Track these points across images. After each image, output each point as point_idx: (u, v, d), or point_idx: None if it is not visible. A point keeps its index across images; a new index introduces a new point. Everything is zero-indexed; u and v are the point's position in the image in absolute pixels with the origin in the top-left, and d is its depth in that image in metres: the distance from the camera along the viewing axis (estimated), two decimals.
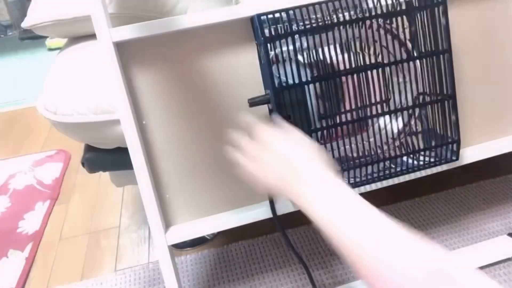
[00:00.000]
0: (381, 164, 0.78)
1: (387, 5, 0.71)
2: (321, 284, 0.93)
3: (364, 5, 0.70)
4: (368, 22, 0.71)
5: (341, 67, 0.72)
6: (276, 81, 0.70)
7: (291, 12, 0.68)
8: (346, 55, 0.72)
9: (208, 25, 0.69)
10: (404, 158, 0.79)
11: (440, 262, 0.39)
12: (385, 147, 0.77)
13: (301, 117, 0.71)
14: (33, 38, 2.95)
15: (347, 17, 0.69)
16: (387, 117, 0.76)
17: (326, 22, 0.69)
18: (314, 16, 0.69)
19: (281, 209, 0.78)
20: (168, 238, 0.75)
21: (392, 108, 0.75)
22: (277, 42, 0.68)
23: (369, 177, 0.78)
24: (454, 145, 0.78)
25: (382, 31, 0.72)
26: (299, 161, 0.53)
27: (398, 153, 0.78)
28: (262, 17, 0.67)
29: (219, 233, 1.11)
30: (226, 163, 0.76)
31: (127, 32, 0.66)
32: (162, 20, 0.67)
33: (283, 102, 0.70)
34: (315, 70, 0.71)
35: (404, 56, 0.74)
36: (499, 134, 0.86)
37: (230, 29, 0.71)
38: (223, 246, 1.07)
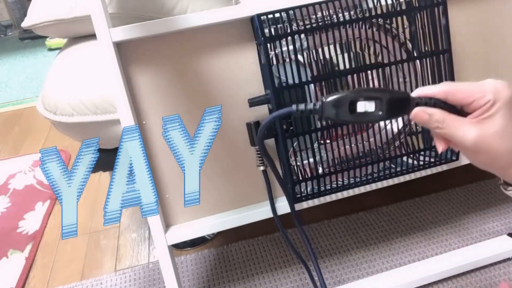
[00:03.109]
0: (381, 164, 0.78)
1: (387, 5, 0.71)
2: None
3: (364, 5, 0.70)
4: (368, 22, 0.71)
5: (341, 67, 0.72)
6: (276, 81, 0.70)
7: (291, 12, 0.68)
8: (346, 55, 0.72)
9: (208, 25, 0.69)
10: (404, 158, 0.79)
11: None
12: (385, 147, 0.77)
13: (301, 117, 0.71)
14: (33, 38, 2.95)
15: (347, 17, 0.69)
16: None
17: (326, 22, 0.69)
18: (314, 16, 0.69)
19: (281, 209, 0.78)
20: (168, 238, 0.75)
21: None
22: (277, 42, 0.68)
23: (369, 177, 0.78)
24: None
25: (382, 31, 0.72)
26: None
27: (398, 153, 0.78)
28: (262, 17, 0.67)
29: (219, 233, 1.11)
30: (226, 163, 0.76)
31: (127, 32, 0.66)
32: (162, 20, 0.67)
33: (283, 102, 0.70)
34: (315, 70, 0.71)
35: (404, 56, 0.74)
36: None
37: (230, 29, 0.71)
38: (223, 246, 1.07)
